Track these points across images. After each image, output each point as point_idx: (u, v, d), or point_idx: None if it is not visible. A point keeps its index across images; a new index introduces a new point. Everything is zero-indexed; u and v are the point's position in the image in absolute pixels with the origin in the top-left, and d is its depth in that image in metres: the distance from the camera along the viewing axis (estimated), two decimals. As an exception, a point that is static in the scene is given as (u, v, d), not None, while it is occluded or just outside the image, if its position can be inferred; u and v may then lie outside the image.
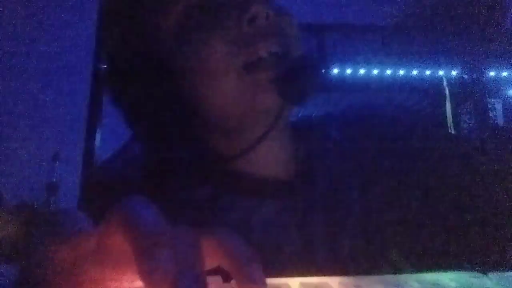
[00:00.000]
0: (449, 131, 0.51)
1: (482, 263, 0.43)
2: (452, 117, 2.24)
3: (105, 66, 0.48)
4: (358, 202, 0.45)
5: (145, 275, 0.20)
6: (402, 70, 2.29)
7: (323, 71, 0.42)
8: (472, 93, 2.28)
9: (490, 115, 2.34)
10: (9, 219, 1.74)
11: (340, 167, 0.47)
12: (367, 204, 0.45)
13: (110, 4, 0.48)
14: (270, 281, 0.25)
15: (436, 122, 0.54)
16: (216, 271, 0.24)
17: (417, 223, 0.45)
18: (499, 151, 0.49)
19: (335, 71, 2.30)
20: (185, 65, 0.42)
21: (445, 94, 2.25)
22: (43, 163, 2.24)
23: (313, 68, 0.43)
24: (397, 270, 0.42)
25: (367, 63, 2.29)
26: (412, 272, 0.27)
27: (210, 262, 0.23)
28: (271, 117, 0.42)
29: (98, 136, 1.87)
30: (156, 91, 0.44)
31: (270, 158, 0.47)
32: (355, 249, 0.43)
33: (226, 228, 0.25)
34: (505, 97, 2.45)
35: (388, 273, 0.27)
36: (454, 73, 2.29)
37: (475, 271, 0.27)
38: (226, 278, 0.24)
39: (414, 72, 2.30)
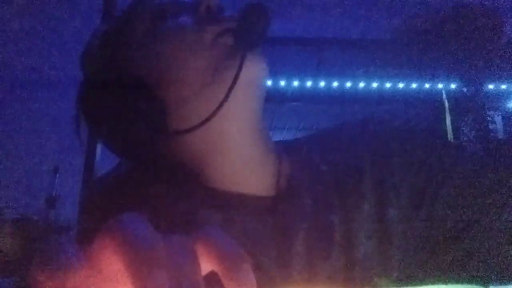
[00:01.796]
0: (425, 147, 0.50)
1: (483, 276, 0.43)
2: (452, 130, 2.24)
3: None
4: (336, 224, 0.46)
5: None
6: (401, 83, 2.30)
7: (267, 19, 0.46)
8: (471, 106, 2.29)
9: (490, 127, 2.34)
10: (8, 232, 1.73)
11: (318, 189, 0.49)
12: (346, 226, 0.46)
13: None
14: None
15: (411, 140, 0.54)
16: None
17: (398, 242, 0.46)
18: (499, 163, 0.49)
19: (335, 84, 2.31)
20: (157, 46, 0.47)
21: (445, 107, 2.26)
22: (43, 176, 2.23)
23: (259, 16, 0.46)
24: None
25: (367, 76, 2.30)
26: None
27: (205, 267, 0.23)
28: (230, 78, 0.44)
29: (98, 150, 1.87)
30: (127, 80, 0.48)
31: (251, 176, 0.49)
32: (333, 269, 0.44)
33: (216, 227, 0.24)
34: (504, 109, 2.46)
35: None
36: (453, 86, 2.31)
37: (475, 284, 0.27)
38: None
39: (414, 86, 2.31)
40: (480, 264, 0.44)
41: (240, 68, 0.43)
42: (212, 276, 0.24)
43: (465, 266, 0.44)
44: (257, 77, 0.48)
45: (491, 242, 0.45)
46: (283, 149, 0.53)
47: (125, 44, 0.49)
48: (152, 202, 0.47)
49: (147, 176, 0.51)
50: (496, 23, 2.34)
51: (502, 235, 0.45)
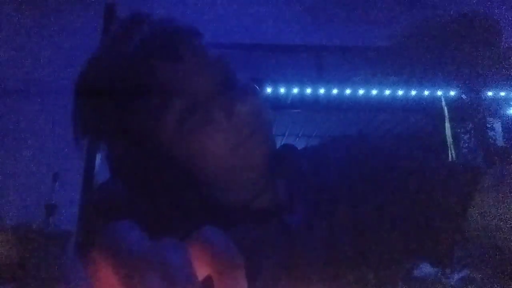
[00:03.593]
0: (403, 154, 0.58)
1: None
2: (452, 137, 2.24)
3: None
4: (325, 230, 0.52)
5: None
6: (400, 90, 2.31)
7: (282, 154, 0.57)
8: (471, 113, 2.29)
9: (489, 134, 2.35)
10: (7, 239, 1.73)
11: (311, 199, 0.55)
12: (334, 231, 0.52)
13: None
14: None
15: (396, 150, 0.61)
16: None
17: (379, 247, 0.51)
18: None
19: (335, 91, 2.32)
20: (184, 148, 0.49)
21: (444, 114, 2.26)
22: (43, 183, 2.23)
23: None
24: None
25: (366, 83, 2.31)
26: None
27: (202, 270, 0.23)
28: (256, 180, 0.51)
29: (98, 157, 1.87)
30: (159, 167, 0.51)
31: (254, 191, 0.54)
32: (326, 270, 0.49)
33: (213, 228, 0.24)
34: (504, 116, 2.46)
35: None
36: (452, 93, 2.31)
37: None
38: None
39: (413, 93, 2.31)
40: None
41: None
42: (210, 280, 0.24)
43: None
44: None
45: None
46: (281, 164, 0.58)
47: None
48: (154, 212, 0.48)
49: (152, 185, 0.52)
50: (495, 30, 2.35)
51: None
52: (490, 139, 2.33)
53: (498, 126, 2.43)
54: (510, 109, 2.48)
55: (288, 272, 0.47)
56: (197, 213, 0.51)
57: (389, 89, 2.30)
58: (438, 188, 0.52)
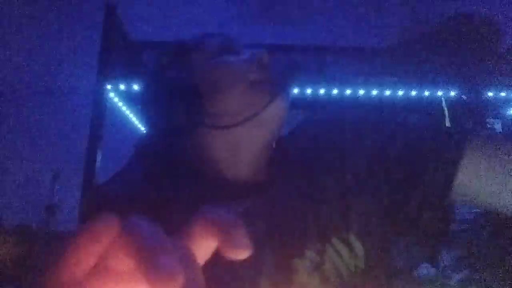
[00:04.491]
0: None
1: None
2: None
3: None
4: (312, 195, 0.58)
5: (155, 282, 0.20)
6: (401, 91, 2.31)
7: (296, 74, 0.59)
8: (471, 113, 2.30)
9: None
10: (8, 240, 1.73)
11: (299, 172, 0.61)
12: (319, 197, 0.58)
13: None
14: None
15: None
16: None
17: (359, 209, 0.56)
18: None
19: (335, 91, 2.32)
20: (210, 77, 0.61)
21: (444, 114, 2.26)
22: (43, 183, 2.23)
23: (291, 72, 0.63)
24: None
25: (366, 84, 2.31)
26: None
27: (206, 245, 0.25)
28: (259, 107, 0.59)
29: (98, 157, 1.87)
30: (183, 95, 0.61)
31: (253, 167, 0.60)
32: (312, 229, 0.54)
33: (209, 206, 0.26)
34: (504, 116, 2.46)
35: None
36: (453, 93, 2.31)
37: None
38: None
39: (413, 93, 2.31)
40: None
41: (270, 102, 0.60)
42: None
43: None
44: (278, 111, 0.63)
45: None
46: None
47: (196, 61, 0.63)
48: (159, 206, 0.50)
49: (155, 178, 0.55)
50: (495, 30, 2.35)
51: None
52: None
53: (498, 126, 2.43)
54: (510, 109, 2.48)
55: (272, 240, 0.52)
56: (195, 195, 0.54)
57: (389, 90, 2.30)
58: (426, 151, 0.56)
